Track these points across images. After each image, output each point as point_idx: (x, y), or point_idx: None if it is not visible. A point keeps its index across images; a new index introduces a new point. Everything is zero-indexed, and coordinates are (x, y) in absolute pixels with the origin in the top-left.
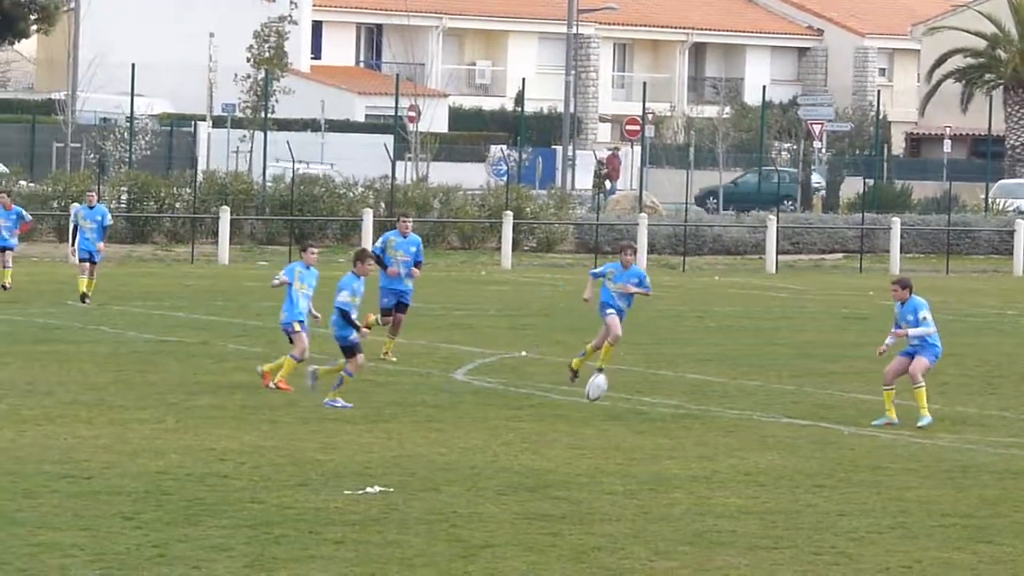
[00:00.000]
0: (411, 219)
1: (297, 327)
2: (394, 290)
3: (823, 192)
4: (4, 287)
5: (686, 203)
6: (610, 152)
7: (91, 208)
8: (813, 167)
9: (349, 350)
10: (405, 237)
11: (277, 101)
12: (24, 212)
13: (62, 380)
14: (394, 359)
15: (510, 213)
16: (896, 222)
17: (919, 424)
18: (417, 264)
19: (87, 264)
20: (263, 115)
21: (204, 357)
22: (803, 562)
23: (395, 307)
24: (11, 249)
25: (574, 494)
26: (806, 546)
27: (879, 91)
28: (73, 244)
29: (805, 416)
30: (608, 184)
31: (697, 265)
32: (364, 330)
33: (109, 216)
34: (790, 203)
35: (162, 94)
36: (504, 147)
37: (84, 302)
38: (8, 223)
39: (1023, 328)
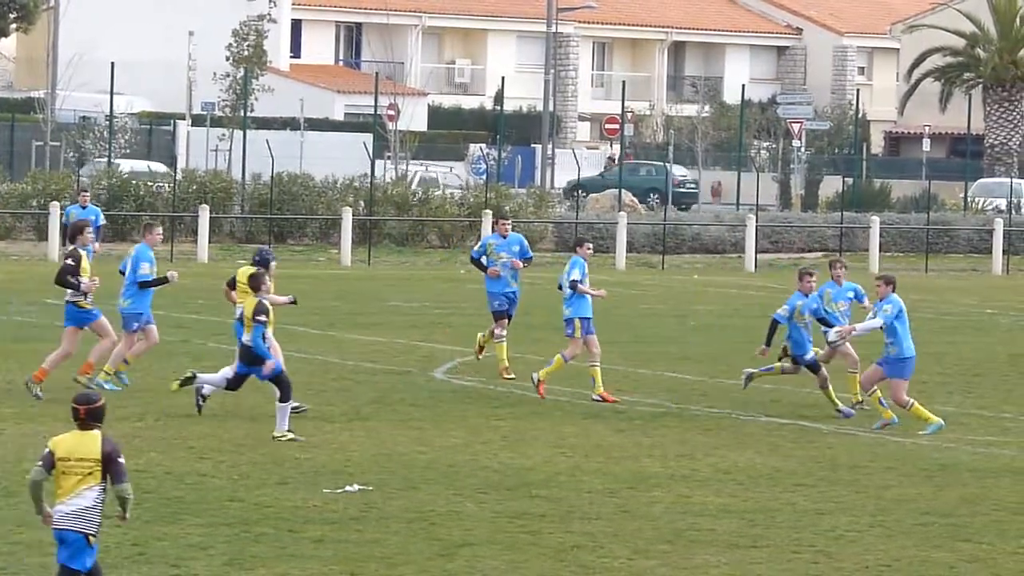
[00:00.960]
0: (510, 221)
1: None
2: (504, 294)
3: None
4: None
5: (666, 202)
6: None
7: (84, 208)
8: (792, 165)
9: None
10: (505, 238)
11: (256, 99)
12: None
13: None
14: (511, 375)
15: (489, 212)
16: (875, 221)
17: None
18: (526, 260)
19: None
20: (242, 113)
21: (183, 355)
22: (782, 560)
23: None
24: None
25: (554, 492)
26: (785, 544)
27: (858, 90)
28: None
29: (785, 415)
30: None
31: (676, 264)
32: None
33: (102, 216)
34: (655, 196)
35: (142, 92)
36: (483, 146)
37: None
38: None
39: (1001, 327)
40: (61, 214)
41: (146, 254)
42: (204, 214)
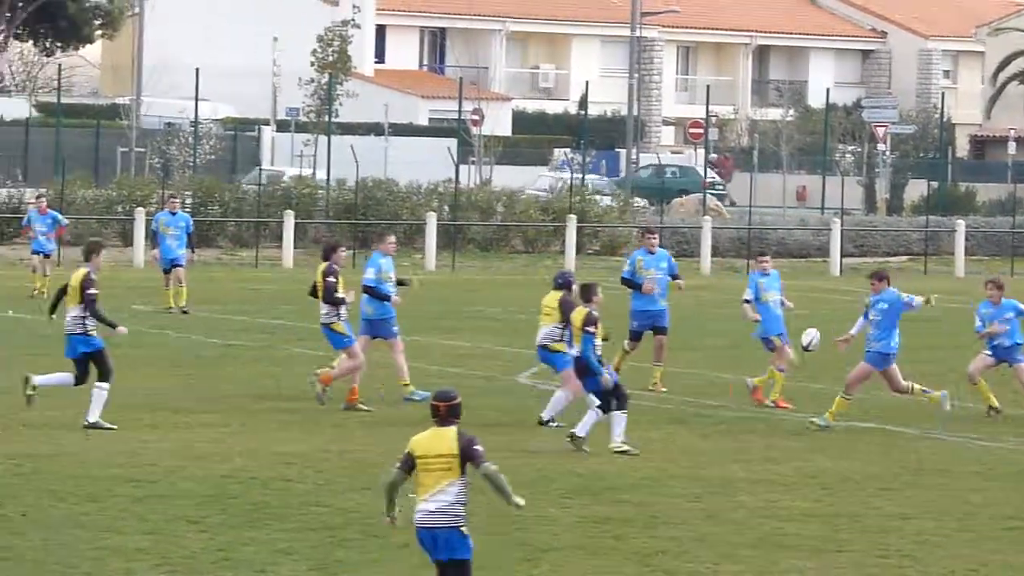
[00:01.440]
0: (656, 234)
1: (778, 341)
2: (647, 312)
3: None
4: (33, 295)
5: (750, 206)
6: (720, 155)
7: (173, 215)
8: (877, 169)
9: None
10: (653, 254)
11: (341, 105)
12: (59, 216)
13: (127, 384)
14: (664, 389)
15: (574, 216)
16: (961, 224)
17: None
18: (675, 277)
19: (171, 274)
20: (327, 119)
21: (268, 361)
22: (868, 565)
23: (653, 330)
24: (49, 255)
25: (639, 497)
26: (871, 549)
27: (943, 93)
28: (155, 250)
29: (870, 419)
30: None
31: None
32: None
33: (191, 222)
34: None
35: (226, 98)
36: (567, 150)
37: (184, 313)
38: (44, 227)
39: None
40: (148, 220)
41: (375, 260)
42: (289, 220)
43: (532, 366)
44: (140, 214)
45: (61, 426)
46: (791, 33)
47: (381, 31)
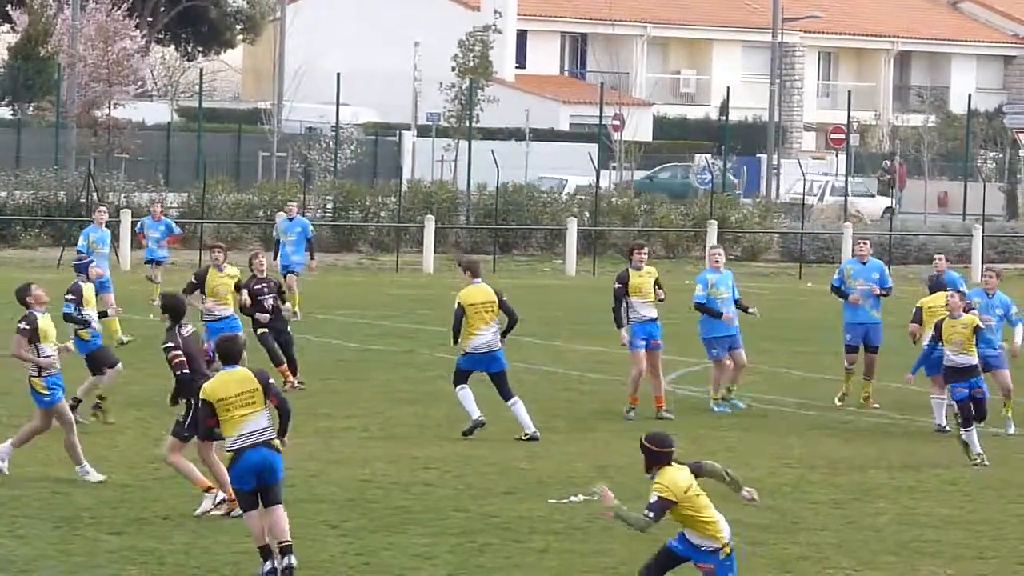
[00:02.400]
0: (868, 242)
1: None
2: (860, 324)
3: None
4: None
5: (891, 212)
6: (892, 160)
7: (291, 220)
8: (1019, 175)
9: None
10: (865, 264)
11: (482, 110)
12: (173, 224)
13: None
14: (876, 405)
15: (714, 222)
16: None
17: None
18: (885, 291)
19: (290, 277)
20: (467, 124)
21: (409, 366)
22: (1008, 572)
23: (864, 346)
24: (161, 262)
25: (779, 503)
26: (1012, 556)
27: None
28: (275, 258)
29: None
30: (894, 191)
31: (903, 274)
32: None
33: (311, 228)
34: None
35: (367, 103)
36: (708, 156)
37: (294, 317)
38: (156, 234)
39: None
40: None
41: (703, 276)
42: (429, 225)
43: (674, 371)
44: (278, 222)
45: None
46: (933, 39)
47: (522, 36)
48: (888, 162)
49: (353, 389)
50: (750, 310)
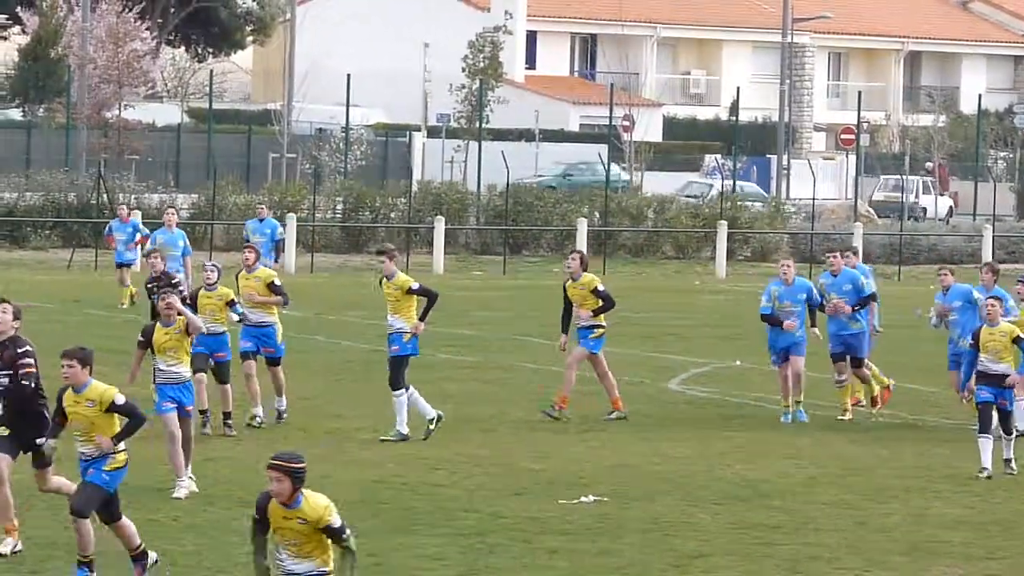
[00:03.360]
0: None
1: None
2: (838, 335)
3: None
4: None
5: (902, 213)
6: (935, 163)
7: (260, 221)
8: None
9: None
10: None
11: (492, 111)
12: (140, 224)
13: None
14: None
15: (724, 222)
16: None
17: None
18: (863, 301)
19: None
20: (478, 125)
21: (416, 367)
22: (1020, 572)
23: (850, 360)
24: (130, 265)
25: (789, 504)
26: (1023, 556)
27: None
28: None
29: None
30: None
31: (913, 275)
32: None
33: (280, 230)
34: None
35: (377, 104)
36: (718, 156)
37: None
38: (124, 236)
39: None
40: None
41: (768, 288)
42: (440, 226)
43: (683, 372)
44: (292, 220)
45: (213, 432)
46: (943, 39)
47: (532, 37)
48: (930, 164)
49: (363, 390)
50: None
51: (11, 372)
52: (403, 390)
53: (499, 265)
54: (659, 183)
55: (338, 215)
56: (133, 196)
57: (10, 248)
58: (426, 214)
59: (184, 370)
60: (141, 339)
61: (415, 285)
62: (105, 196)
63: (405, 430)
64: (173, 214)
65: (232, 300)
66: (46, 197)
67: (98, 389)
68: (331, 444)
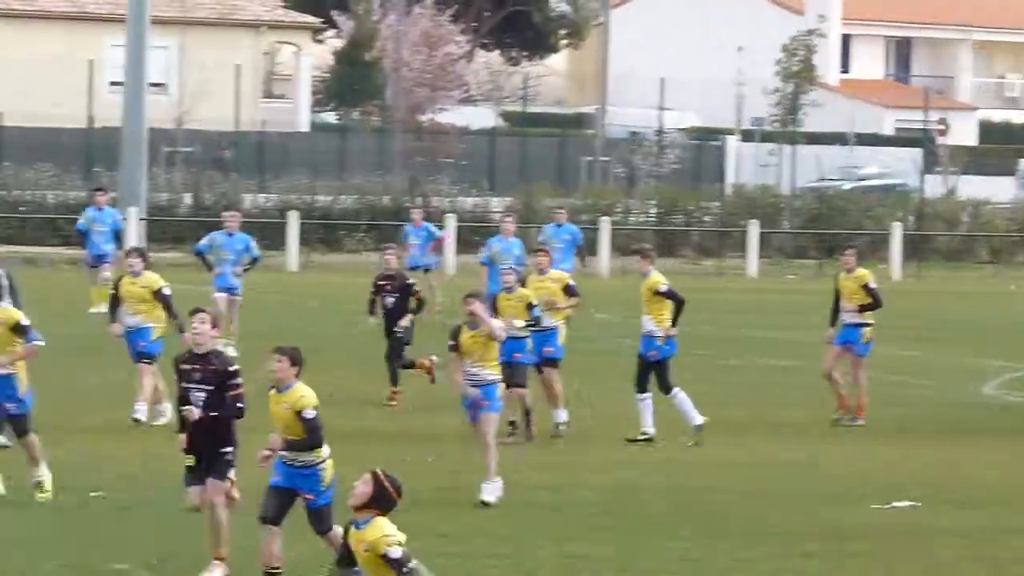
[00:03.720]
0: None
1: None
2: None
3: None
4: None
5: None
6: None
7: (559, 227)
8: None
9: None
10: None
11: (806, 115)
12: (434, 228)
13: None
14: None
15: None
16: None
17: None
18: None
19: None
20: (791, 129)
21: (725, 372)
22: None
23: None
24: (427, 269)
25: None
26: None
27: None
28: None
29: None
30: None
31: None
32: None
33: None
34: None
35: (690, 108)
36: None
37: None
38: (419, 240)
39: None
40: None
41: None
42: (753, 229)
43: (998, 376)
44: (605, 223)
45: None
46: None
47: (846, 40)
48: None
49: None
50: None
51: (212, 388)
52: (675, 389)
53: (812, 270)
54: (974, 188)
55: (651, 218)
56: (447, 199)
57: (324, 252)
58: (739, 218)
59: (487, 373)
60: (452, 343)
61: (662, 287)
62: (420, 199)
63: (652, 431)
64: (511, 222)
65: (531, 303)
66: (360, 200)
67: (297, 393)
68: (638, 449)
